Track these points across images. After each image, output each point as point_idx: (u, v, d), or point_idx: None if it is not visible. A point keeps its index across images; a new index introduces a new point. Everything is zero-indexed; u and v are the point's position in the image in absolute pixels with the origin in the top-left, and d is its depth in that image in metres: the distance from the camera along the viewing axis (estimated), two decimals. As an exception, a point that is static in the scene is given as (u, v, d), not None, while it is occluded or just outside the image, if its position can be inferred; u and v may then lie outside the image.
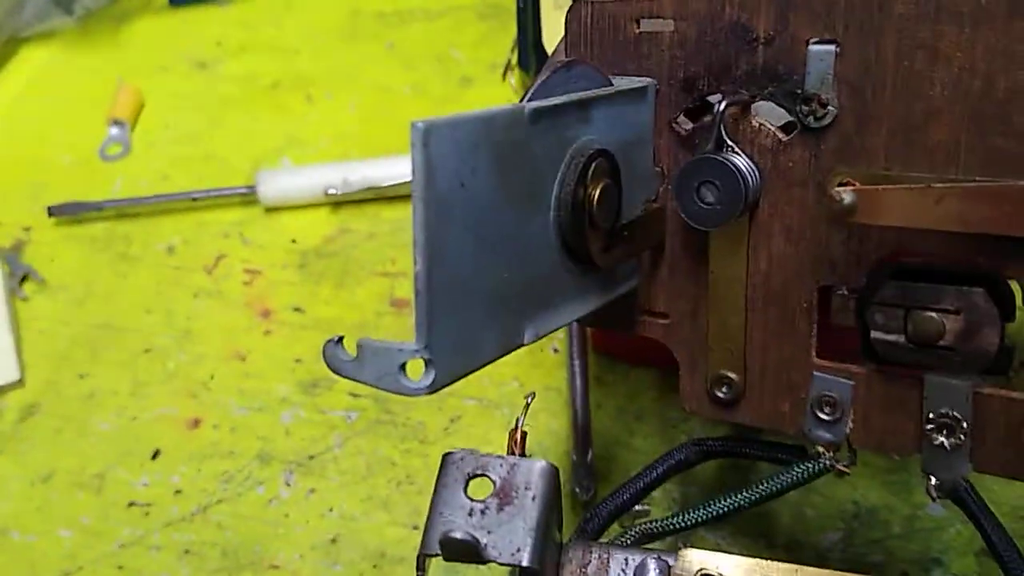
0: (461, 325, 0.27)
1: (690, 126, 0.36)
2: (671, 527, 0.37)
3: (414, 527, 0.50)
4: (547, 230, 0.30)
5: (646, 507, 0.47)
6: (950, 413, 0.33)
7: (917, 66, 0.31)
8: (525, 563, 0.27)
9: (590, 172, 0.31)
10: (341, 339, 0.27)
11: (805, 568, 0.28)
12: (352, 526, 0.51)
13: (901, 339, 0.33)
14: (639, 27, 0.36)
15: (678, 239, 0.37)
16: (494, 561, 0.28)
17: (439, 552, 0.28)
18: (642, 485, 0.39)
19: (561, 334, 0.55)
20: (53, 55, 0.83)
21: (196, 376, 0.59)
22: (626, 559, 0.30)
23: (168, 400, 0.58)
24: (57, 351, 0.62)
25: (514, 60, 0.71)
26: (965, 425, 0.33)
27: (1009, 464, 0.33)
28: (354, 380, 0.27)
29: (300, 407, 0.56)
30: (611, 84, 0.33)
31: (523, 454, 0.40)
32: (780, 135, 0.34)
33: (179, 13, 0.86)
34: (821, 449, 0.37)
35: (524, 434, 0.40)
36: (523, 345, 0.30)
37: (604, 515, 0.38)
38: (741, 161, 0.34)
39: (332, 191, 0.66)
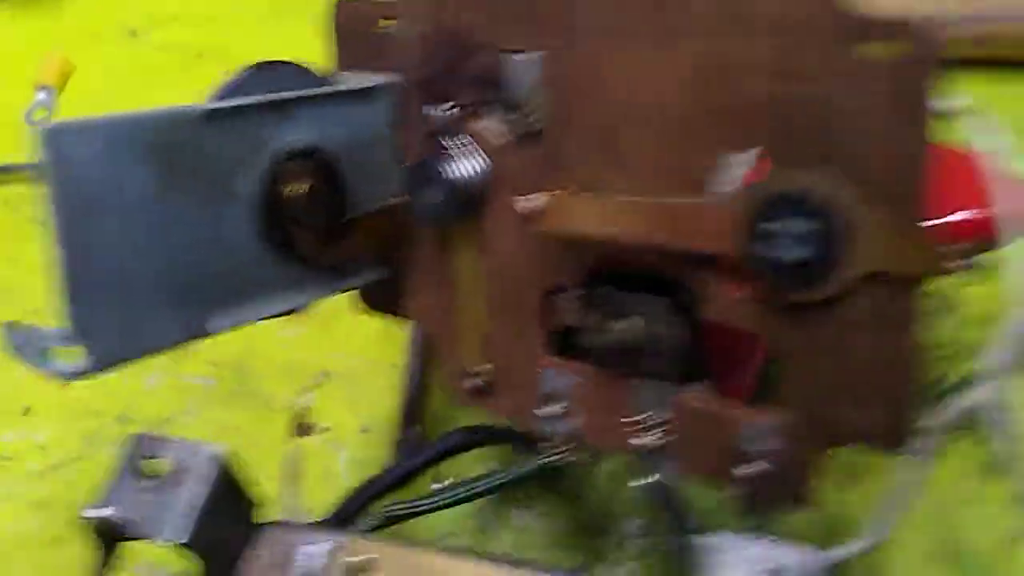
0: (122, 312, 0.29)
1: (428, 126, 0.37)
2: (410, 511, 0.39)
3: (247, 492, 0.53)
4: (242, 226, 0.32)
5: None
6: (651, 416, 0.35)
7: (608, 83, 0.32)
8: (180, 540, 0.29)
9: (289, 171, 0.32)
10: (12, 324, 0.29)
11: (461, 563, 0.30)
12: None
13: (603, 342, 0.34)
14: (384, 28, 0.37)
15: (433, 233, 0.38)
16: (151, 538, 0.30)
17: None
18: (401, 472, 0.41)
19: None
20: (-6, 20, 0.86)
21: (79, 337, 0.62)
22: (313, 541, 0.31)
23: (49, 359, 0.61)
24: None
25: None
26: (665, 428, 0.34)
27: (705, 468, 0.34)
28: (22, 362, 0.29)
29: (165, 372, 0.59)
30: (327, 84, 0.34)
31: (304, 433, 0.42)
32: (501, 140, 0.35)
33: (120, -19, 0.88)
34: (553, 442, 0.38)
35: (304, 413, 0.42)
36: (217, 332, 0.32)
37: (359, 500, 0.40)
38: (465, 164, 0.35)
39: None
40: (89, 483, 0.54)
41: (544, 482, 0.51)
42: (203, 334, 0.32)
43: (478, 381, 0.39)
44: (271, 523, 0.33)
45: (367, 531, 0.37)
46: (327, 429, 0.55)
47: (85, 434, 0.57)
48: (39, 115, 0.78)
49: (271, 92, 0.32)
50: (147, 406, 0.57)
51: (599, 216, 0.32)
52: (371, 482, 0.40)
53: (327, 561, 0.30)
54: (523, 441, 0.41)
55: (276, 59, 0.33)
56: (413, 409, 0.52)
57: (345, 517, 0.39)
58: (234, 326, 0.32)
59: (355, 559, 0.29)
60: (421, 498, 0.39)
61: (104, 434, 0.56)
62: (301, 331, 0.60)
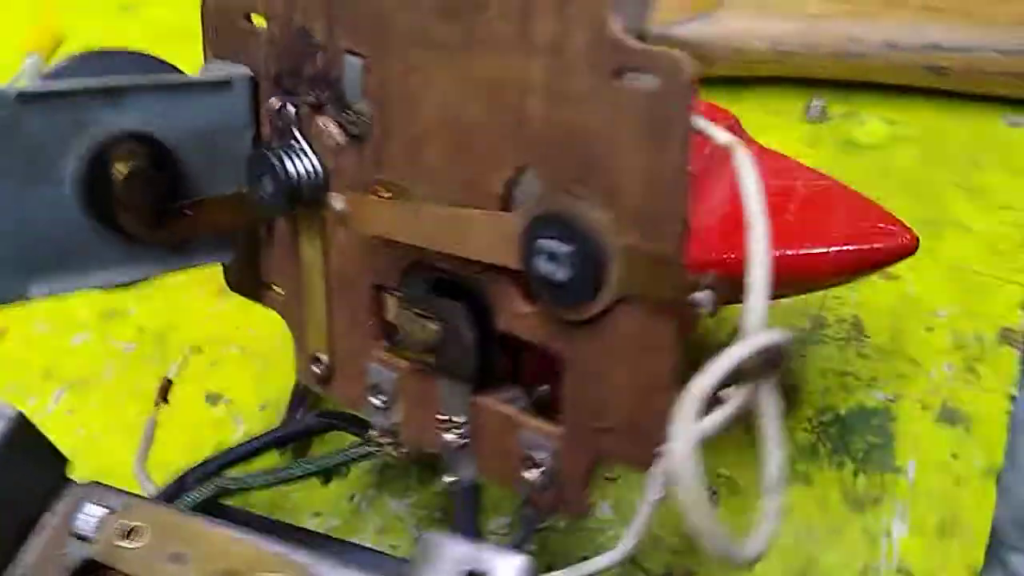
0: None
1: (278, 120, 0.38)
2: (239, 487, 0.41)
3: (144, 454, 0.55)
4: (65, 203, 0.34)
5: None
6: (453, 416, 0.36)
7: (414, 88, 0.33)
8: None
9: (116, 154, 0.34)
10: None
11: (227, 532, 0.31)
12: (90, 444, 0.55)
13: (409, 340, 0.36)
14: (246, 23, 0.38)
15: (286, 220, 0.40)
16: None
17: None
18: (241, 452, 0.43)
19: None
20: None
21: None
22: (96, 502, 0.33)
23: (-12, 311, 0.64)
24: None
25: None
26: (465, 429, 0.36)
27: (496, 472, 0.35)
28: None
29: (91, 332, 0.62)
30: (172, 74, 0.36)
31: (164, 400, 0.44)
32: (338, 139, 0.36)
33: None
34: (375, 433, 0.39)
35: (169, 383, 0.44)
36: (39, 297, 0.34)
37: (194, 477, 0.42)
38: (298, 160, 0.37)
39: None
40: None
41: (422, 474, 0.53)
42: (22, 298, 0.34)
43: (322, 368, 0.41)
44: (79, 483, 0.35)
45: (193, 502, 0.39)
46: (230, 401, 0.57)
47: (9, 383, 0.60)
48: (22, 83, 0.81)
49: (104, 77, 0.33)
50: (70, 364, 0.60)
51: (394, 220, 0.33)
52: (210, 459, 0.42)
53: (101, 522, 0.31)
54: (342, 427, 0.43)
55: (121, 47, 0.35)
56: (302, 393, 0.54)
57: (179, 488, 0.41)
58: (55, 292, 0.34)
59: (126, 522, 0.31)
60: (250, 475, 0.41)
61: (26, 386, 0.59)
62: (226, 307, 0.62)
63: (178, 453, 0.54)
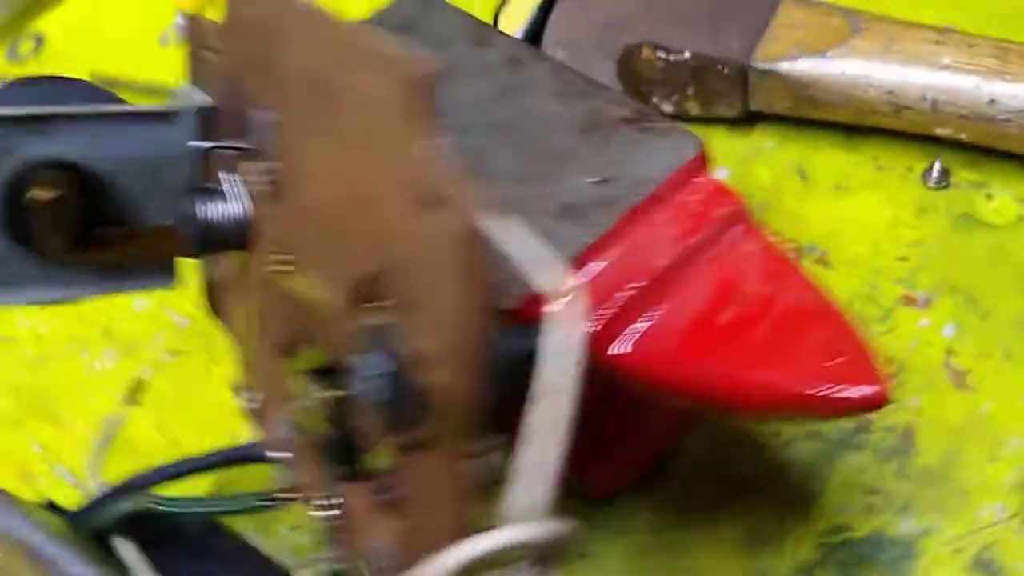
0: None
1: (220, 160, 0.37)
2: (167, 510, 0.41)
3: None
4: (-15, 223, 0.35)
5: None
6: (322, 495, 0.34)
7: (301, 160, 0.31)
8: None
9: (38, 179, 0.34)
10: None
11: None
12: (126, 410, 0.58)
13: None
14: (209, 53, 0.38)
15: (236, 255, 0.39)
16: None
17: None
18: (173, 471, 0.43)
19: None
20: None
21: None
22: None
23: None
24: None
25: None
26: (332, 512, 0.34)
27: (347, 566, 0.34)
28: None
29: (153, 300, 0.64)
30: (110, 103, 0.36)
31: (134, 402, 0.45)
32: (257, 188, 0.35)
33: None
34: (280, 487, 0.39)
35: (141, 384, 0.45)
36: None
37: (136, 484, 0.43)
38: (228, 204, 0.36)
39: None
40: (57, 380, 0.61)
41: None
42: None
43: (254, 405, 0.40)
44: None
45: (114, 518, 0.41)
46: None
47: (74, 337, 0.64)
48: (173, 38, 0.85)
49: (27, 106, 0.34)
50: (127, 327, 0.63)
51: (264, 296, 0.32)
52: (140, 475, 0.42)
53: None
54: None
55: (57, 75, 0.35)
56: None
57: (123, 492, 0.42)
58: (-26, 307, 0.36)
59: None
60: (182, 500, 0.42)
61: (86, 341, 0.63)
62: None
63: (187, 434, 0.57)
